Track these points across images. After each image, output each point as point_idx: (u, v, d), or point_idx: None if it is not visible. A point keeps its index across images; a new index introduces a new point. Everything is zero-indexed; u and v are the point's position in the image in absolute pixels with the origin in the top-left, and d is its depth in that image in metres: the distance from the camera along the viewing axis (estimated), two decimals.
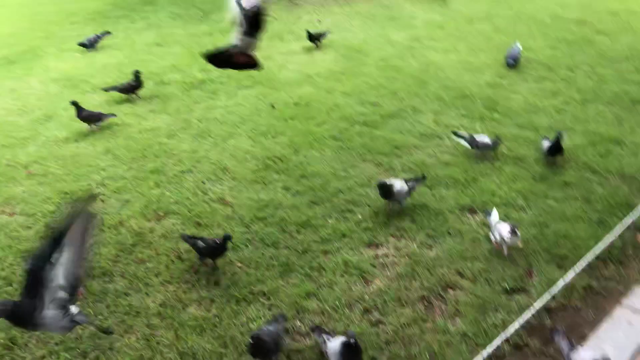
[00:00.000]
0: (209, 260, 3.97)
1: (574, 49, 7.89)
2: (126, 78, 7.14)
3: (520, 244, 4.02)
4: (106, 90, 6.69)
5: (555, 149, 5.03)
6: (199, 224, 4.44)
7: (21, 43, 9.47)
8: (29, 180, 5.12)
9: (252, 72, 7.23)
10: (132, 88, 6.69)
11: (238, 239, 4.23)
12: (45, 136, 5.94)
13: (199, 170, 5.19)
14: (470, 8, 9.62)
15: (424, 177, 4.68)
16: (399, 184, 4.42)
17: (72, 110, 6.20)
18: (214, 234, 4.32)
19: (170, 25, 9.41)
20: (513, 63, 7.04)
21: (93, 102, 6.64)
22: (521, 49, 7.19)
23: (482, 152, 5.21)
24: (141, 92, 6.74)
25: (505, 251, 4.01)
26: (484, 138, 5.21)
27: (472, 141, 5.17)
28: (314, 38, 7.87)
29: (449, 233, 4.31)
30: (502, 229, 3.96)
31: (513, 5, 9.87)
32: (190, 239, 4.00)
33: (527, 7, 9.82)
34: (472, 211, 4.57)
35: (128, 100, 6.63)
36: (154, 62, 7.78)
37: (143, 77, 6.67)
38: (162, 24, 9.48)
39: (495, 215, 4.16)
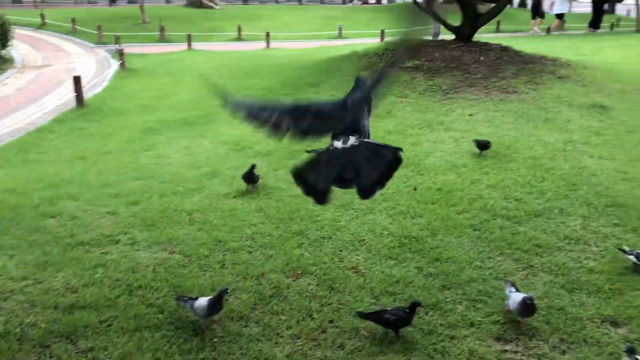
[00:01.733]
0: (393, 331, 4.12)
1: None
2: (286, 148, 7.83)
3: None
4: (310, 152, 7.39)
5: None
6: (332, 288, 4.67)
7: (199, 108, 10.80)
8: (190, 225, 5.75)
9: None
10: None
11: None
12: (209, 190, 6.65)
13: (338, 238, 5.49)
14: (633, 118, 9.26)
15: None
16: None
17: (235, 171, 6.91)
18: (344, 299, 4.52)
19: None
20: None
21: None
22: None
23: None
24: (297, 162, 7.33)
25: None
26: None
27: (639, 257, 4.93)
28: (482, 146, 7.57)
29: (586, 341, 4.09)
30: None
31: None
32: (372, 315, 4.13)
33: None
34: (615, 324, 4.31)
35: (284, 167, 7.23)
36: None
37: None
38: None
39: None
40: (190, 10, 33.23)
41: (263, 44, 22.09)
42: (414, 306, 4.06)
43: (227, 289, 4.18)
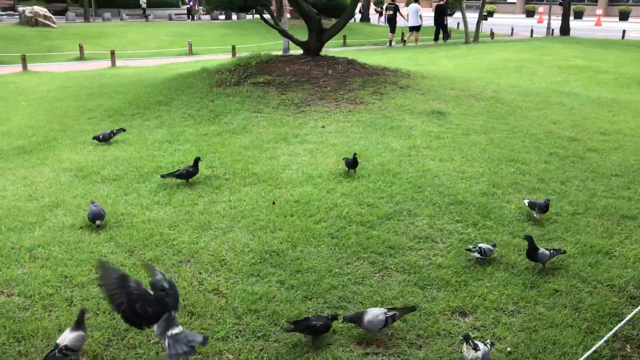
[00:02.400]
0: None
1: (566, 163, 8.23)
2: (136, 172, 7.48)
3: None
4: (164, 177, 7.07)
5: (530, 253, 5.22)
6: (192, 313, 4.50)
7: (38, 134, 9.95)
8: (31, 263, 5.24)
9: (256, 170, 7.61)
10: (189, 174, 7.06)
11: (230, 330, 4.28)
12: (52, 222, 6.13)
13: (196, 260, 5.32)
14: (466, 122, 10.13)
15: (413, 309, 4.51)
16: (371, 314, 4.20)
17: (80, 199, 6.44)
18: (205, 324, 4.38)
19: (182, 124, 9.89)
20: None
21: (102, 192, 6.90)
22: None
23: (488, 259, 5.36)
24: (148, 186, 7.03)
25: None
26: (487, 245, 5.39)
27: (482, 252, 5.32)
28: (351, 165, 7.38)
29: (439, 334, 4.35)
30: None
31: (509, 121, 10.38)
32: (300, 323, 4.14)
33: (522, 123, 10.33)
34: (463, 314, 4.63)
35: (135, 191, 6.89)
36: (163, 157, 8.13)
37: (146, 170, 6.95)
38: (174, 124, 9.96)
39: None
40: (24, 29, 30.72)
41: (108, 63, 21.02)
42: (333, 319, 4.22)
43: (84, 309, 3.96)
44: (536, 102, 12.16)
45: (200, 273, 5.13)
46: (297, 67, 12.68)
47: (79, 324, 3.85)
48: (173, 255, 5.41)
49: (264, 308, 4.59)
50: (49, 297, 4.69)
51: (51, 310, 4.52)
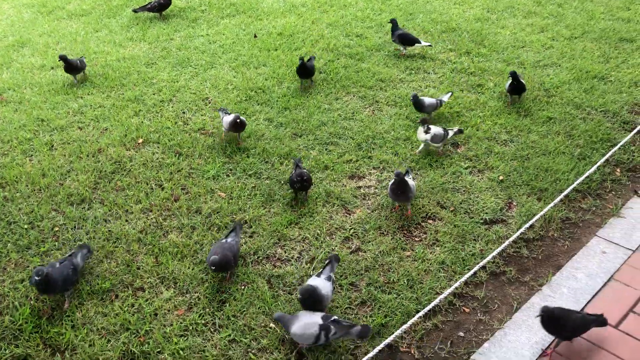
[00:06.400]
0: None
1: None
2: (105, 5, 6.91)
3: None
4: (136, 11, 6.53)
5: (516, 88, 4.96)
6: (179, 154, 4.38)
7: None
8: (3, 107, 4.97)
9: (234, 1, 7.04)
10: (162, 6, 6.58)
11: (220, 169, 4.20)
12: (20, 63, 5.74)
13: (179, 99, 5.08)
14: None
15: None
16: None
17: (47, 37, 5.99)
18: (195, 163, 4.28)
19: None
20: None
21: (70, 30, 6.41)
22: None
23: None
24: (120, 21, 6.52)
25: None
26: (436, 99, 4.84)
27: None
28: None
29: (431, 166, 4.30)
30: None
31: None
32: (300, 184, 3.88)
33: None
34: (455, 144, 4.55)
35: (106, 27, 6.41)
36: None
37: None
38: None
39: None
40: None
41: None
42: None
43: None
44: None
45: (184, 112, 4.92)
46: None
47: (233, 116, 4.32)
48: (153, 94, 5.15)
49: (253, 146, 4.47)
50: (27, 141, 4.50)
51: (32, 155, 4.36)
